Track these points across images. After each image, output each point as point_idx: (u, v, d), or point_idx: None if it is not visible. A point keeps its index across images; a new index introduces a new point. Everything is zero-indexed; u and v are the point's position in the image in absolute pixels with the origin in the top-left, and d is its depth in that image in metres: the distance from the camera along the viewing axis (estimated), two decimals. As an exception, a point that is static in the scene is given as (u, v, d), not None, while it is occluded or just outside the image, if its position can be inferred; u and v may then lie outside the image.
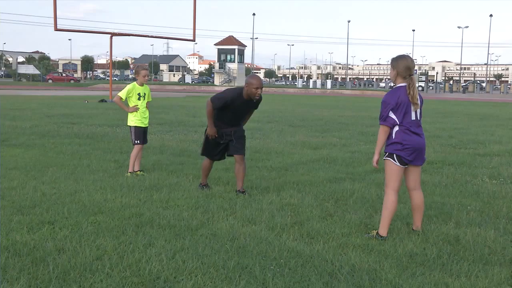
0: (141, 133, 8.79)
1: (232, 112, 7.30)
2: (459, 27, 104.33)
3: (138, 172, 8.58)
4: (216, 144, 7.50)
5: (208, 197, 7.08)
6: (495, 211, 6.73)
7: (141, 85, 8.81)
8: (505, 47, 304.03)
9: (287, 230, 5.72)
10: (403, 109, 5.41)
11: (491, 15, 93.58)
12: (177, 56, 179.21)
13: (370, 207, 6.78)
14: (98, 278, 4.24)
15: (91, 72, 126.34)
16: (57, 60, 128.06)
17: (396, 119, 5.41)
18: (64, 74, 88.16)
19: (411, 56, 6.12)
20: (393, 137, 5.46)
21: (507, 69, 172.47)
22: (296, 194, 7.40)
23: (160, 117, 19.58)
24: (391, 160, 5.49)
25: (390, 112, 5.41)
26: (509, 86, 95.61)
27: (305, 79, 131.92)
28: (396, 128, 5.44)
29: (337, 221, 6.09)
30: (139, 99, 8.76)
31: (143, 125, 8.83)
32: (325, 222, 6.04)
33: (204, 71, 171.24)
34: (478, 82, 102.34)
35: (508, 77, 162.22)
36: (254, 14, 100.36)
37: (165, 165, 9.41)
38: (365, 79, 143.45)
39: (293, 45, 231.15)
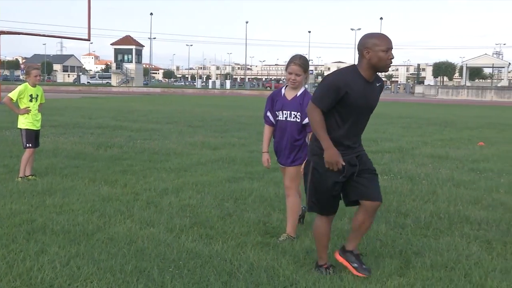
0: (32, 136, 8.40)
1: (351, 110, 4.32)
2: (352, 29, 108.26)
3: (30, 177, 8.19)
4: (334, 185, 4.41)
5: (104, 201, 6.89)
6: (386, 206, 7.03)
7: (34, 86, 8.42)
8: (395, 48, 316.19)
9: (186, 231, 5.68)
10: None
11: (381, 18, 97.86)
12: (71, 56, 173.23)
13: (268, 206, 6.88)
14: (-15, 289, 4.00)
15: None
16: None
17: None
18: None
19: (306, 57, 6.15)
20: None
21: (397, 69, 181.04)
22: (195, 195, 7.37)
23: (53, 119, 18.81)
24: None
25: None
26: (399, 86, 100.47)
27: (204, 80, 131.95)
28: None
29: (236, 221, 6.13)
30: (30, 100, 8.35)
31: (35, 128, 8.44)
32: (224, 222, 6.06)
33: (100, 71, 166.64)
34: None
35: (398, 78, 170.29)
36: (151, 14, 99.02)
37: (59, 169, 9.05)
38: (263, 79, 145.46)
39: (192, 45, 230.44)
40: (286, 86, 5.53)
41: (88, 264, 4.57)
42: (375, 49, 4.20)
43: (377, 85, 4.46)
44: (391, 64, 4.35)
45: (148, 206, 6.68)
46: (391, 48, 4.28)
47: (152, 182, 8.15)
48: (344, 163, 4.25)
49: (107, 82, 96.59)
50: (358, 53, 4.31)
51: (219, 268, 4.59)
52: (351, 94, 4.22)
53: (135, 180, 8.27)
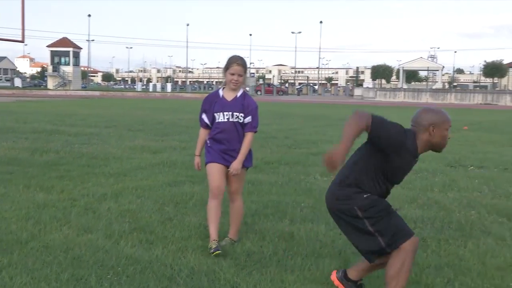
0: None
1: (392, 171, 3.94)
2: (293, 33, 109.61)
3: (-40, 184, 7.86)
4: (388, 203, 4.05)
5: (40, 207, 6.69)
6: (326, 207, 7.11)
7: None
8: (334, 52, 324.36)
9: (125, 237, 5.58)
10: None
11: (321, 22, 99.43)
12: (4, 58, 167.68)
13: (209, 209, 6.84)
14: None
15: None
16: None
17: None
18: None
19: (245, 59, 6.04)
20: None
21: (337, 72, 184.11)
22: (135, 200, 7.26)
23: (-14, 124, 18.16)
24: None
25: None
26: (338, 89, 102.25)
27: (144, 83, 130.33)
28: None
29: (176, 225, 6.07)
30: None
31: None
32: (165, 227, 6.00)
33: (36, 74, 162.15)
34: (311, 85, 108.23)
35: (337, 80, 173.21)
36: (89, 15, 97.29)
37: (-9, 175, 8.73)
38: (205, 82, 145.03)
39: (131, 47, 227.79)
40: (223, 87, 5.42)
41: (21, 273, 4.42)
42: (442, 127, 3.85)
43: (415, 160, 3.98)
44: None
45: (86, 212, 6.53)
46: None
47: (90, 187, 7.98)
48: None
49: (41, 85, 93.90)
50: (417, 127, 3.88)
51: (159, 273, 4.53)
52: (401, 159, 3.85)
53: (72, 185, 8.07)
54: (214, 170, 5.30)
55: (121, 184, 8.32)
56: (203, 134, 5.46)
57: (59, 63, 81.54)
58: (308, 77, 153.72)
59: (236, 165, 5.28)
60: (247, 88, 18.29)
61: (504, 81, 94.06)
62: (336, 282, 4.33)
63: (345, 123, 3.73)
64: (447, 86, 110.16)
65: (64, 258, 4.84)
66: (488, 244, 5.65)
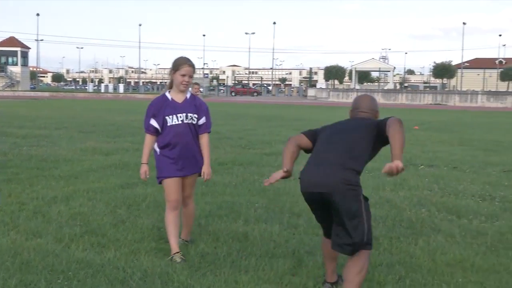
0: None
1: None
2: (246, 33, 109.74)
3: None
4: None
5: (-14, 212, 6.49)
6: (279, 207, 7.16)
7: None
8: (288, 52, 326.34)
9: (76, 240, 5.47)
10: None
11: (274, 23, 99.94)
12: None
13: (163, 211, 6.73)
14: None
15: None
16: None
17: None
18: None
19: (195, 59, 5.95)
20: None
21: (291, 73, 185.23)
22: (86, 202, 7.12)
23: None
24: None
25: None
26: (292, 89, 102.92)
27: (96, 83, 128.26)
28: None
29: (129, 227, 5.99)
30: None
31: None
32: (117, 229, 5.91)
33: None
34: (265, 85, 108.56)
35: (291, 81, 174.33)
36: (38, 15, 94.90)
37: None
38: (158, 83, 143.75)
39: (82, 48, 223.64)
40: (169, 90, 5.26)
41: (-33, 280, 4.28)
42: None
43: None
44: None
45: (35, 216, 6.36)
46: None
47: (40, 190, 7.79)
48: None
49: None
50: (372, 113, 4.38)
51: (111, 277, 4.46)
52: None
53: (20, 189, 7.86)
54: (172, 184, 5.16)
55: (72, 186, 8.15)
56: (150, 140, 5.21)
57: (6, 63, 79.39)
58: (262, 78, 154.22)
59: (207, 169, 5.23)
60: (201, 89, 18.22)
61: (453, 81, 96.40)
62: None
63: (399, 135, 3.83)
64: (398, 86, 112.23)
65: (12, 263, 4.70)
66: (438, 242, 5.77)
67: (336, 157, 4.03)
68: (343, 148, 4.06)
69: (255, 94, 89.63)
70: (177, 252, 5.02)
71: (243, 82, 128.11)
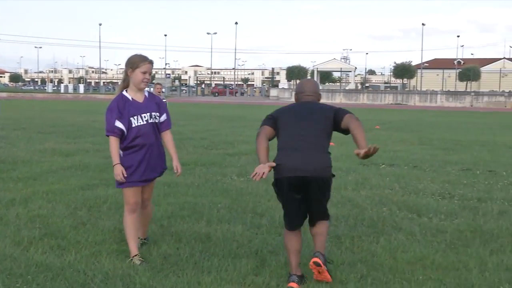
0: None
1: None
2: (208, 33, 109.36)
3: None
4: None
5: None
6: (242, 207, 7.15)
7: None
8: (250, 52, 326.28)
9: (35, 243, 5.36)
10: None
11: (236, 23, 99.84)
12: None
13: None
14: None
15: None
16: None
17: None
18: None
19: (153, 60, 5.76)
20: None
21: (253, 73, 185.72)
22: (46, 204, 6.99)
23: None
24: None
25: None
26: (254, 90, 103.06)
27: (55, 84, 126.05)
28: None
29: (90, 229, 5.90)
30: None
31: None
32: (78, 231, 5.81)
33: None
34: (228, 86, 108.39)
35: (254, 81, 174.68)
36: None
37: None
38: (119, 83, 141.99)
39: (41, 47, 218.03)
40: (126, 90, 5.11)
41: None
42: None
43: None
44: None
45: (-8, 219, 6.21)
46: None
47: (-3, 192, 7.60)
48: None
49: None
50: (316, 96, 4.81)
51: (72, 280, 4.38)
52: None
53: (-23, 191, 7.67)
54: (132, 188, 5.03)
55: (31, 188, 7.98)
56: (116, 143, 4.95)
57: (-38, 63, 77.43)
58: (224, 78, 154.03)
59: (178, 165, 5.24)
60: (163, 90, 18.07)
61: (413, 81, 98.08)
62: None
63: (361, 129, 4.40)
64: (359, 86, 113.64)
65: (-32, 268, 4.58)
66: (399, 240, 5.85)
67: (312, 142, 4.44)
68: (315, 132, 4.47)
69: (237, 94, 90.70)
70: (136, 255, 4.96)
71: (206, 82, 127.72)
